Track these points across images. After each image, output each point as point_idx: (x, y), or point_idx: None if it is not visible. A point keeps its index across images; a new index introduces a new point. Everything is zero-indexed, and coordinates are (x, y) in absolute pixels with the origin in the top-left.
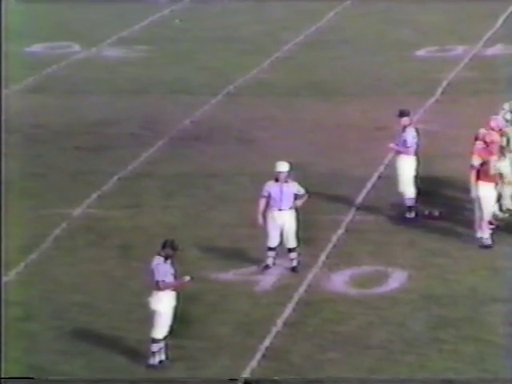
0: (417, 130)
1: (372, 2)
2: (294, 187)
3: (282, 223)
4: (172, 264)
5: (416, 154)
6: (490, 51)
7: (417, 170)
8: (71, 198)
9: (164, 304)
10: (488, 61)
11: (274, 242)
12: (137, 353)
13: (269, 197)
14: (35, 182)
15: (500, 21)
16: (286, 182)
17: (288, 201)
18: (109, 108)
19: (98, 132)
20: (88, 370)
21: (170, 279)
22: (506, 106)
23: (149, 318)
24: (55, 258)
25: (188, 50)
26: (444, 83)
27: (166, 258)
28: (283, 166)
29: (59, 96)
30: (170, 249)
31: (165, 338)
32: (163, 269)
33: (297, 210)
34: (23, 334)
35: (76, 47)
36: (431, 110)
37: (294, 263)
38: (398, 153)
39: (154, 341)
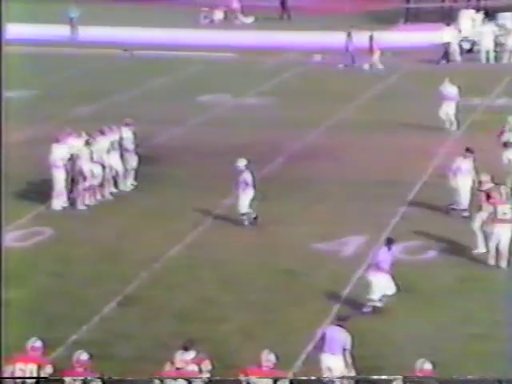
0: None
1: (422, 68)
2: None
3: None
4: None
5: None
6: (498, 102)
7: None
8: (221, 192)
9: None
10: (497, 109)
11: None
12: None
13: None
14: (201, 182)
15: (506, 80)
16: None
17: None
18: (248, 137)
19: (241, 152)
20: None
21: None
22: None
23: None
24: (213, 232)
25: (300, 99)
26: (467, 123)
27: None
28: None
29: (217, 128)
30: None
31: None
32: (386, 256)
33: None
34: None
35: (229, 97)
36: (458, 141)
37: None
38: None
39: (369, 300)
